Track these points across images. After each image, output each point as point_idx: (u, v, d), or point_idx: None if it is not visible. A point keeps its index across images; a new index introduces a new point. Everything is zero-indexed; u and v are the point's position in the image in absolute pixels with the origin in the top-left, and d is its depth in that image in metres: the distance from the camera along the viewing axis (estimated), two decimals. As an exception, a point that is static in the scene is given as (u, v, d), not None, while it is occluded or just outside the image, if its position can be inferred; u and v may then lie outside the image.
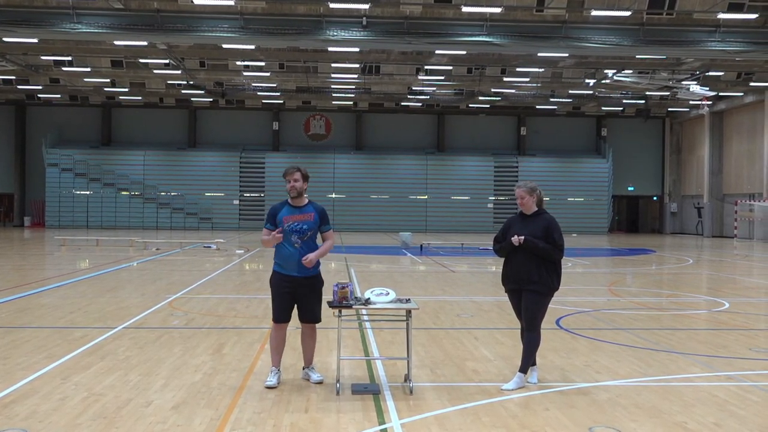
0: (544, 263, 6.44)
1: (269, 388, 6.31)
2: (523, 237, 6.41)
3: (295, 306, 6.52)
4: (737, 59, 28.69)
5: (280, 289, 6.45)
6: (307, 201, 6.55)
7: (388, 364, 7.30)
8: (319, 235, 6.61)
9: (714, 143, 42.99)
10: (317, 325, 6.65)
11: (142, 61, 33.45)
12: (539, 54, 29.14)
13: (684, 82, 34.55)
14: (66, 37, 26.01)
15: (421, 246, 26.70)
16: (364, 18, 24.78)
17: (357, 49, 29.23)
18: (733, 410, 5.85)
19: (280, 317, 6.49)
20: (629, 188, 48.80)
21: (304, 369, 6.70)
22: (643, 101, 42.03)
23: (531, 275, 6.43)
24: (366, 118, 47.66)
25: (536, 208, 6.65)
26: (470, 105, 44.29)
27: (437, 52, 29.46)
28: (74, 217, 44.02)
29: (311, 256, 6.34)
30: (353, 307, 6.31)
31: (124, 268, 18.11)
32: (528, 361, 6.53)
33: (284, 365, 6.87)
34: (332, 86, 39.81)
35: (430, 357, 7.68)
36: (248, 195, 45.44)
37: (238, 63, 34.14)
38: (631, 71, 34.13)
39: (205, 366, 7.13)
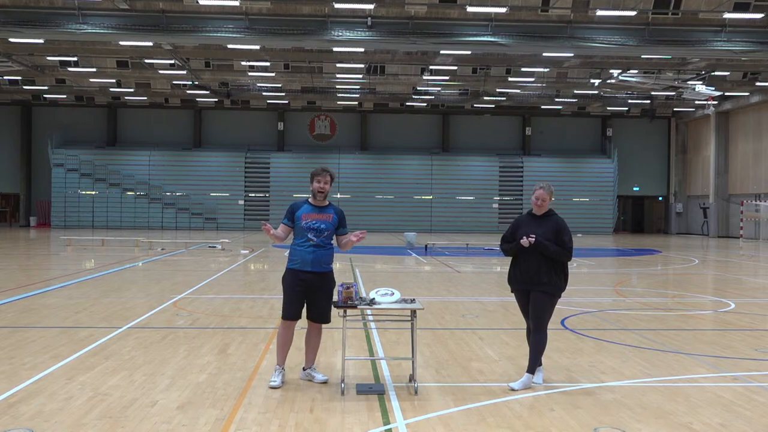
0: (553, 264, 6.45)
1: (273, 388, 6.31)
2: (533, 238, 6.41)
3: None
4: (743, 59, 28.61)
5: (294, 287, 6.45)
6: (328, 203, 6.63)
7: (393, 364, 7.30)
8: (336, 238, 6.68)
9: (720, 143, 42.83)
10: (322, 326, 6.65)
11: (147, 61, 33.53)
12: (544, 54, 29.11)
13: (689, 82, 34.45)
14: (72, 38, 26.10)
15: (426, 246, 26.66)
16: (369, 18, 24.80)
17: (362, 50, 29.25)
18: (739, 411, 5.83)
19: (290, 314, 6.48)
20: (634, 188, 48.68)
21: (304, 369, 6.68)
22: (648, 101, 41.89)
23: (541, 276, 6.44)
24: (371, 119, 47.65)
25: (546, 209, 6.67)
26: (475, 105, 44.25)
27: (442, 52, 29.45)
28: (80, 218, 44.14)
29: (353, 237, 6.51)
30: (358, 307, 6.31)
31: (129, 269, 18.15)
32: (535, 362, 6.54)
33: (289, 365, 6.87)
34: (337, 86, 39.82)
35: (435, 357, 7.68)
36: (253, 195, 45.50)
37: (243, 63, 34.19)
38: (636, 71, 34.06)
39: (210, 366, 7.14)
